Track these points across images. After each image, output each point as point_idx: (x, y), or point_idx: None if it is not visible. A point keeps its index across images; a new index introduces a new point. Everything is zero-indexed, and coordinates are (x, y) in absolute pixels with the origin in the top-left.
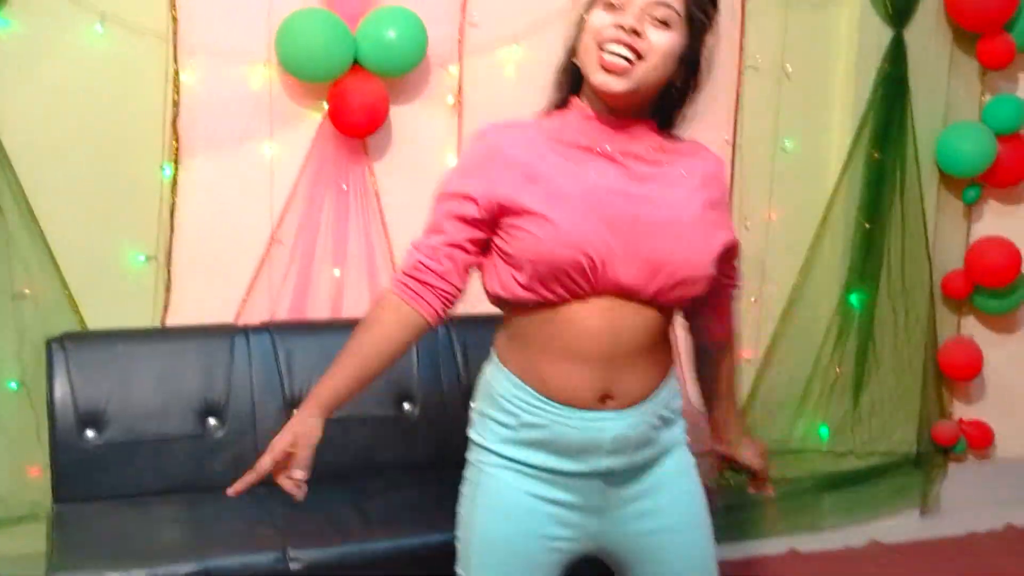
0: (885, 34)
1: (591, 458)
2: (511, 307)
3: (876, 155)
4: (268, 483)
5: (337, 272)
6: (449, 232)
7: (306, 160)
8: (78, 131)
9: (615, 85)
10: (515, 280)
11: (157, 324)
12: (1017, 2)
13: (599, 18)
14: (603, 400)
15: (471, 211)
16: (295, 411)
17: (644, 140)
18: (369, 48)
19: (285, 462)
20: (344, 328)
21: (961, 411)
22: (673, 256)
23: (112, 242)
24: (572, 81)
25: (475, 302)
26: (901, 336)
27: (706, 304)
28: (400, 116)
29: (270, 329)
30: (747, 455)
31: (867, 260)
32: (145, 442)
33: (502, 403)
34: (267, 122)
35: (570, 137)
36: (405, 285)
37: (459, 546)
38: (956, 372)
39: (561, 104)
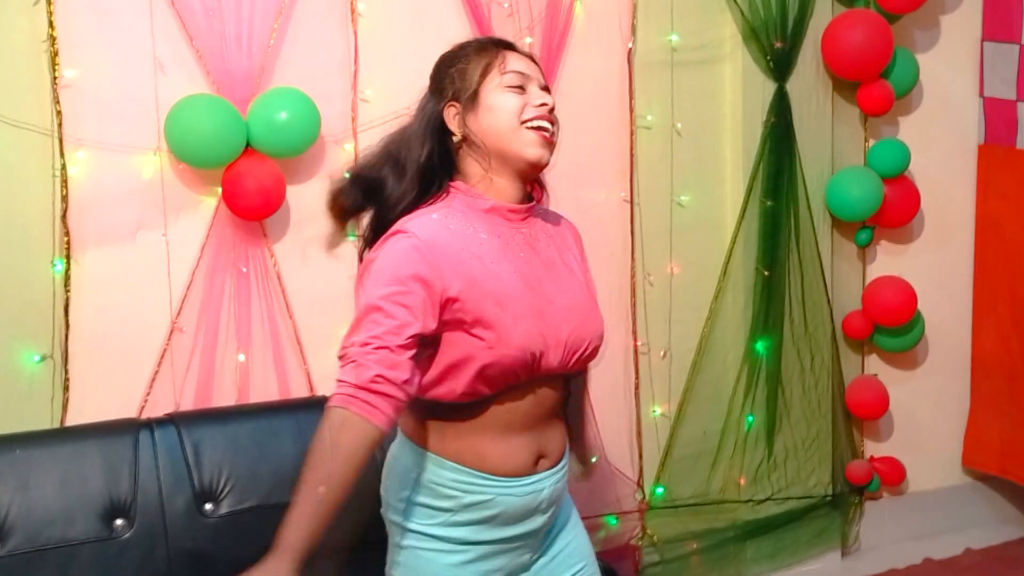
0: (769, 88)
1: (529, 520)
2: (438, 400)
3: (769, 204)
4: None
5: (242, 357)
6: (393, 326)
7: (203, 246)
8: None
9: (547, 157)
10: (456, 383)
11: (56, 425)
12: (891, 50)
13: (510, 100)
14: (537, 462)
15: (419, 299)
16: (268, 562)
17: (535, 221)
18: (261, 131)
19: None
20: (252, 414)
21: (872, 449)
22: (586, 334)
23: (5, 344)
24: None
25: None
26: (808, 380)
27: None
28: (297, 196)
29: (175, 421)
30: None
31: (769, 307)
32: (50, 549)
33: (439, 490)
34: (160, 211)
35: (488, 230)
36: (363, 400)
37: None
38: (864, 411)
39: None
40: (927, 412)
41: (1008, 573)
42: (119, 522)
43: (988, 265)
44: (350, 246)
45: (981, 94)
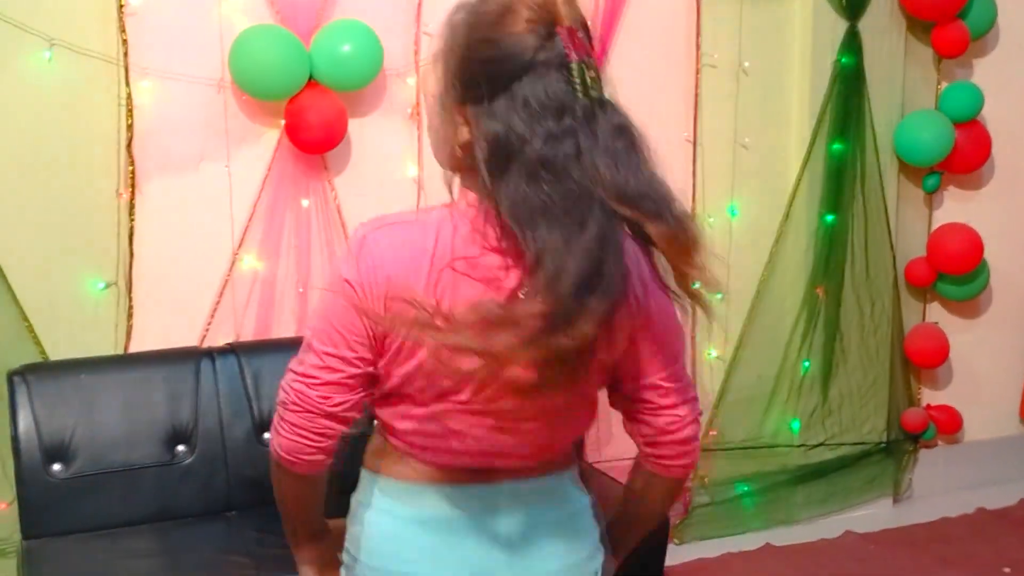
0: (840, 26)
1: None
2: None
3: (835, 147)
4: (238, 507)
5: (301, 289)
6: None
7: (265, 178)
8: (30, 160)
9: None
10: None
11: (120, 351)
12: None
13: None
14: None
15: None
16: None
17: None
18: (324, 63)
19: None
20: None
21: (929, 397)
22: None
23: (70, 271)
24: None
25: None
26: (867, 326)
27: None
28: (359, 129)
29: (236, 350)
30: None
31: (831, 252)
32: (113, 473)
33: None
34: (224, 142)
35: None
36: None
37: None
38: (923, 359)
39: None
40: (987, 362)
41: None
42: (180, 448)
43: None
44: (407, 181)
45: None
